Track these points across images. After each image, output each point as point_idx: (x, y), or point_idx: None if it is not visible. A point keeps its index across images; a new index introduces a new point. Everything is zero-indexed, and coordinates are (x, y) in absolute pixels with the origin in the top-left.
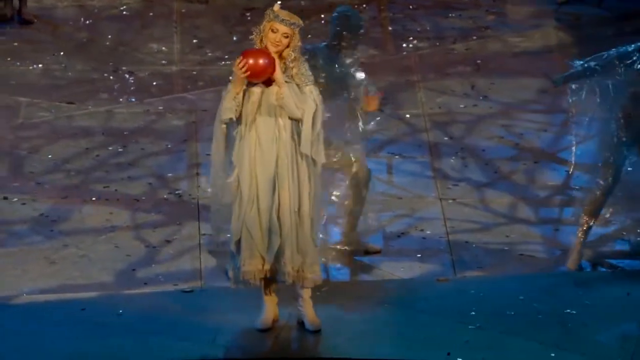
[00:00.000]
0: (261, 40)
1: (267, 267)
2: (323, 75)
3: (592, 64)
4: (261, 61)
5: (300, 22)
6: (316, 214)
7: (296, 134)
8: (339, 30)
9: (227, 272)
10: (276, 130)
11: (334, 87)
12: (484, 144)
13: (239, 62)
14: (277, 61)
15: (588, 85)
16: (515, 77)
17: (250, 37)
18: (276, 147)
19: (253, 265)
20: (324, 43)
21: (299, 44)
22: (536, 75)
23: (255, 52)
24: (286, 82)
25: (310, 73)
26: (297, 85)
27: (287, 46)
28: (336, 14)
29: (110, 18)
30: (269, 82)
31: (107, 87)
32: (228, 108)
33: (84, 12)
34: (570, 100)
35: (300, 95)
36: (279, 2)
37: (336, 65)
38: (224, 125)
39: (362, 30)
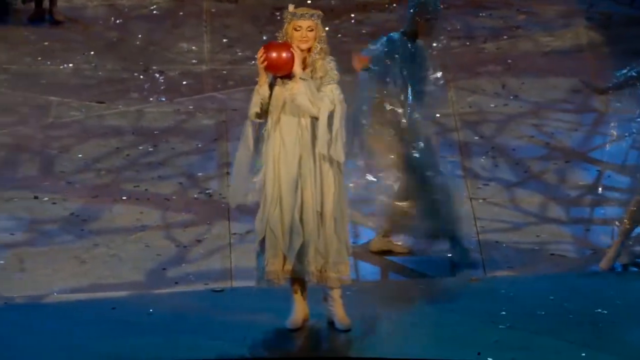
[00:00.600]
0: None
1: (290, 266)
2: (399, 63)
3: (635, 71)
4: (282, 54)
5: (320, 12)
6: (340, 214)
7: None
8: (413, 16)
9: None
10: (299, 130)
11: (409, 75)
12: (514, 143)
13: (259, 54)
14: (297, 56)
15: (630, 91)
16: (545, 77)
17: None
18: (299, 147)
19: (276, 265)
20: (401, 30)
21: (324, 34)
22: (567, 75)
23: (276, 45)
24: (302, 79)
25: (337, 72)
26: (321, 78)
27: (314, 39)
28: (412, 1)
29: (140, 17)
30: (291, 79)
31: (137, 86)
32: (253, 102)
33: (114, 11)
34: (613, 104)
35: (318, 94)
36: (292, 4)
37: (411, 54)
38: (252, 123)
39: (437, 16)
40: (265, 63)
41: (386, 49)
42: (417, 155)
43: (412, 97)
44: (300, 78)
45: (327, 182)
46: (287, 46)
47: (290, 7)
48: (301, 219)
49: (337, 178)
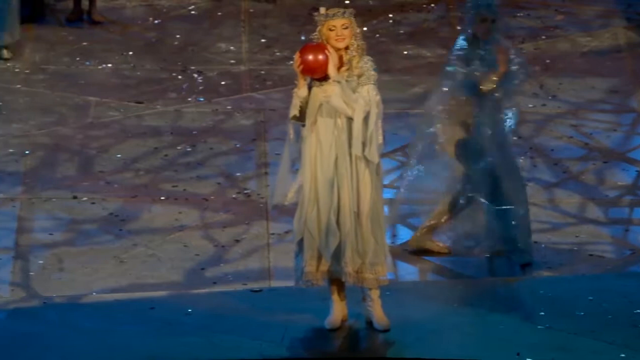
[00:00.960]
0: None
1: (327, 267)
2: (470, 68)
3: None
4: (318, 57)
5: (352, 9)
6: (377, 215)
7: None
8: (472, 18)
9: None
10: (335, 131)
11: (480, 79)
12: (552, 143)
13: (296, 57)
14: (330, 57)
15: None
16: (584, 77)
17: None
18: (335, 148)
19: (314, 266)
20: (467, 34)
21: (359, 31)
22: (605, 75)
23: (311, 48)
24: (336, 81)
25: (374, 72)
26: (358, 77)
27: (351, 37)
28: (469, 2)
29: (178, 18)
30: (327, 80)
31: (175, 86)
32: (293, 105)
33: (153, 12)
34: None
35: (353, 95)
36: (324, 7)
37: (478, 57)
38: (293, 125)
39: (494, 16)
40: (302, 67)
41: (461, 54)
42: (490, 158)
43: (497, 97)
44: (333, 80)
45: (364, 183)
46: (322, 48)
47: (322, 10)
48: (338, 220)
49: (374, 178)
